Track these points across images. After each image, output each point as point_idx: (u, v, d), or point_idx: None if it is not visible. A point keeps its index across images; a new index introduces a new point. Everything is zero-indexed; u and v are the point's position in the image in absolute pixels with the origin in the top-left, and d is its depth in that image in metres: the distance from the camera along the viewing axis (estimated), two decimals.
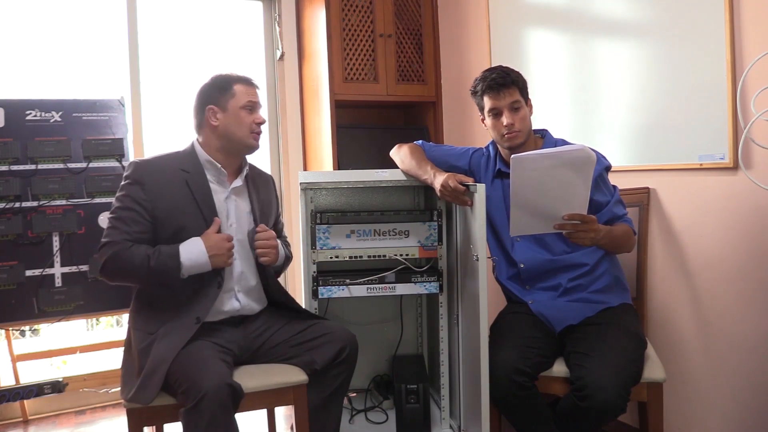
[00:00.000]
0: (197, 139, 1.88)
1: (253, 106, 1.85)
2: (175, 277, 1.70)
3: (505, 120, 1.88)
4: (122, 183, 1.78)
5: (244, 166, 1.91)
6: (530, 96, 1.96)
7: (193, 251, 1.71)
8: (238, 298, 1.85)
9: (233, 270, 1.83)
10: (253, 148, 1.88)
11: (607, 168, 1.89)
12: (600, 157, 1.88)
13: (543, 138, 1.98)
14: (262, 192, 1.97)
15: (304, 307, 2.03)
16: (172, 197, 1.76)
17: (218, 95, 1.83)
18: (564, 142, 1.96)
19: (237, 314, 1.85)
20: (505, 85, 1.87)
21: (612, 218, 1.85)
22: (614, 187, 1.91)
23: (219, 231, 1.78)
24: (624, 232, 1.84)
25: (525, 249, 1.94)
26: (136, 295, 1.81)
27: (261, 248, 1.83)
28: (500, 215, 1.98)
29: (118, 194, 1.77)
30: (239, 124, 1.83)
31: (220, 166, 1.84)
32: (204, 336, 1.71)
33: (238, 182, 1.88)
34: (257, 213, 1.90)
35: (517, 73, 1.93)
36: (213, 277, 1.77)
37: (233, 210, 1.86)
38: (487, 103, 1.91)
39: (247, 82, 1.86)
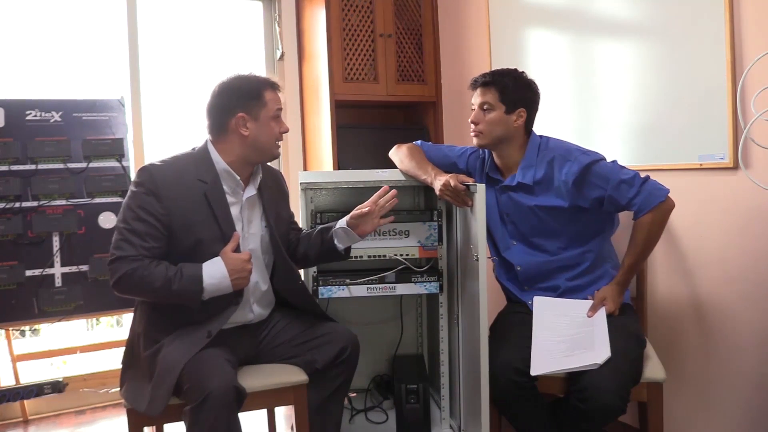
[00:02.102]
0: (212, 142, 1.78)
1: (279, 114, 1.79)
2: (195, 300, 1.65)
3: (471, 117, 1.92)
4: (134, 190, 1.67)
5: (257, 173, 1.84)
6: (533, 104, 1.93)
7: (215, 275, 1.64)
8: (253, 309, 1.83)
9: (249, 282, 1.78)
10: (276, 157, 1.83)
11: (592, 162, 1.78)
12: (578, 155, 1.81)
13: (528, 137, 1.95)
14: (273, 193, 1.92)
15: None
16: (189, 211, 1.68)
17: (249, 103, 1.73)
18: (546, 140, 1.92)
19: (249, 324, 1.84)
20: (481, 84, 1.91)
21: (617, 208, 1.80)
22: (613, 165, 1.79)
23: (237, 245, 1.73)
24: (642, 239, 1.75)
25: (521, 252, 1.94)
26: (146, 304, 1.75)
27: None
28: (493, 220, 1.97)
29: (129, 201, 1.66)
30: (269, 134, 1.76)
31: (238, 178, 1.76)
32: (212, 341, 1.68)
33: (252, 191, 1.82)
34: (271, 219, 1.85)
35: (511, 79, 1.89)
36: (232, 295, 1.72)
37: (247, 220, 1.81)
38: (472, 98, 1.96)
39: (274, 87, 1.78)
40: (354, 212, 1.84)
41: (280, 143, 1.82)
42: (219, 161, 1.76)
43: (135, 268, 1.60)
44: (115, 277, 1.62)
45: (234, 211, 1.77)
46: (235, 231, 1.73)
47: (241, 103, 1.73)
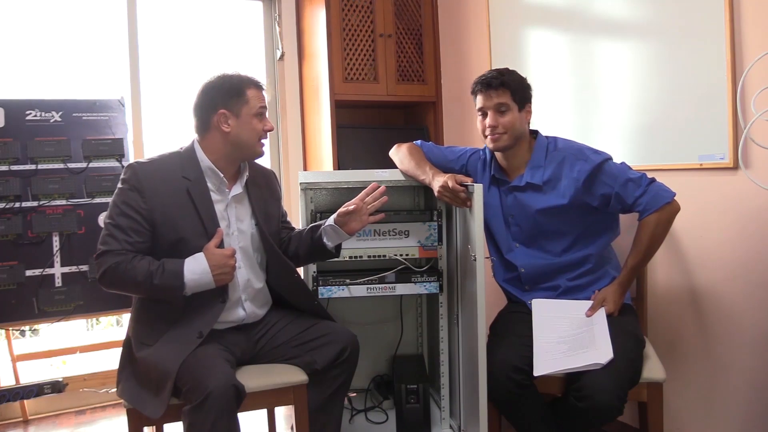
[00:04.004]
0: (198, 141, 1.80)
1: (263, 113, 1.80)
2: (177, 296, 1.66)
3: (488, 121, 1.87)
4: (120, 186, 1.72)
5: (243, 171, 1.85)
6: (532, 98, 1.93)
7: (196, 270, 1.65)
8: (245, 307, 1.83)
9: (239, 279, 1.80)
10: (259, 155, 1.84)
11: (603, 161, 1.80)
12: (590, 154, 1.83)
13: (535, 139, 1.95)
14: (263, 191, 1.93)
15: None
16: (172, 206, 1.70)
17: (230, 100, 1.75)
18: (554, 140, 1.92)
19: (242, 323, 1.84)
20: (493, 85, 1.85)
21: (623, 207, 1.79)
22: (622, 164, 1.81)
23: (221, 242, 1.74)
24: (646, 239, 1.75)
25: (524, 255, 1.94)
26: (138, 303, 1.77)
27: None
28: (497, 222, 1.97)
29: (115, 198, 1.71)
30: (250, 131, 1.77)
31: (222, 175, 1.78)
32: (207, 340, 1.69)
33: (238, 189, 1.83)
34: (259, 217, 1.86)
35: (517, 76, 1.89)
36: (217, 293, 1.73)
37: (234, 218, 1.82)
38: (477, 102, 1.90)
39: (258, 86, 1.79)
40: (341, 210, 1.84)
41: (266, 141, 1.83)
42: (203, 159, 1.78)
43: (119, 262, 1.63)
44: (99, 270, 1.66)
45: (219, 208, 1.78)
46: (219, 227, 1.74)
47: (223, 100, 1.75)
